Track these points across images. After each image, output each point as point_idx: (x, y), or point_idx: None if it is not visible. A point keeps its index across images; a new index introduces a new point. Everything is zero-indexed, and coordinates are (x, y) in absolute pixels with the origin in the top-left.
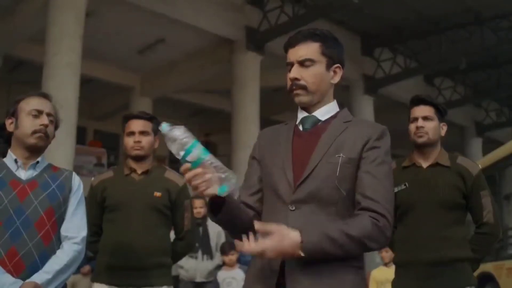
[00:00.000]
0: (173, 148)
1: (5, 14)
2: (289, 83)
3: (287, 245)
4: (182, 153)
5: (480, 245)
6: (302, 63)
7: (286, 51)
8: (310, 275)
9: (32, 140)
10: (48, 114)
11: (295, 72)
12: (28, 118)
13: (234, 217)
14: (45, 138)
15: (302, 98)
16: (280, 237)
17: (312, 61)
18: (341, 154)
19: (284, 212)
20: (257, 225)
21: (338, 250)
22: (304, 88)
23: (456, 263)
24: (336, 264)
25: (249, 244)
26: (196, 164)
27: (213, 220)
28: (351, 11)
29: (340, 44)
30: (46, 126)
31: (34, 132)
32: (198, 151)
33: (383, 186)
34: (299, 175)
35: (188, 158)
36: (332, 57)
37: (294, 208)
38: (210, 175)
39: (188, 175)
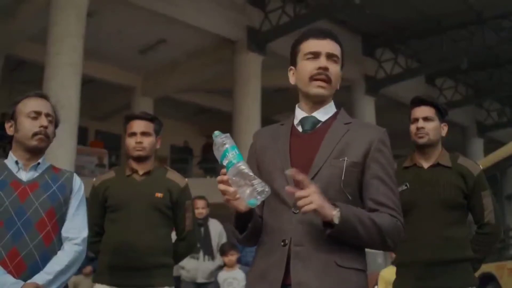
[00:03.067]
0: (216, 154)
1: (6, 14)
2: (315, 71)
3: (327, 202)
4: (220, 157)
5: (481, 245)
6: (330, 57)
7: (306, 38)
8: (316, 276)
9: (33, 142)
10: (47, 115)
11: (326, 62)
12: (27, 121)
13: (255, 232)
14: (46, 139)
15: (324, 90)
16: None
17: (337, 59)
18: (346, 158)
19: (288, 215)
20: (292, 171)
21: (363, 232)
22: (329, 81)
23: (457, 263)
24: (341, 267)
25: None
26: (227, 168)
27: (239, 240)
28: (352, 11)
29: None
30: (45, 127)
31: (35, 134)
32: (231, 155)
33: (393, 191)
34: None
35: (224, 162)
36: (343, 63)
37: (297, 211)
38: (234, 189)
39: (220, 187)
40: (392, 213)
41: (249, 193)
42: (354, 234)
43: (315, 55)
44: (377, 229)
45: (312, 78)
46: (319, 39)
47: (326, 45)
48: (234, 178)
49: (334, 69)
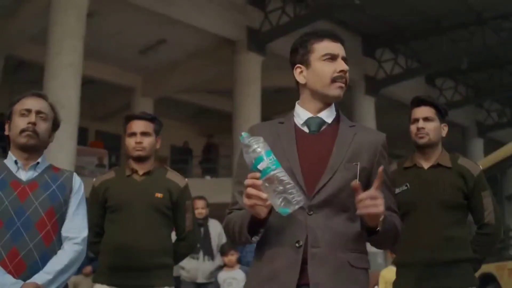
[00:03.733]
0: (247, 157)
1: (7, 15)
2: (336, 73)
3: (381, 208)
4: (253, 161)
5: (482, 246)
6: (345, 60)
7: (320, 38)
8: (332, 277)
9: (21, 140)
10: (38, 112)
11: (345, 65)
12: (18, 119)
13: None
14: (35, 136)
15: (342, 93)
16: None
17: (347, 62)
18: (358, 162)
19: (302, 216)
20: (355, 184)
21: (392, 236)
22: (347, 83)
23: (457, 263)
24: (354, 267)
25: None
26: (264, 174)
27: (246, 241)
28: (352, 12)
29: None
30: (33, 124)
31: (22, 131)
32: (268, 161)
33: (394, 195)
34: (314, 180)
35: (259, 167)
36: None
37: (312, 212)
38: (266, 196)
39: (249, 190)
40: (398, 217)
41: (282, 202)
42: (386, 239)
43: (333, 57)
44: (397, 232)
45: (334, 80)
46: (334, 41)
47: (342, 48)
48: (267, 184)
49: (348, 72)
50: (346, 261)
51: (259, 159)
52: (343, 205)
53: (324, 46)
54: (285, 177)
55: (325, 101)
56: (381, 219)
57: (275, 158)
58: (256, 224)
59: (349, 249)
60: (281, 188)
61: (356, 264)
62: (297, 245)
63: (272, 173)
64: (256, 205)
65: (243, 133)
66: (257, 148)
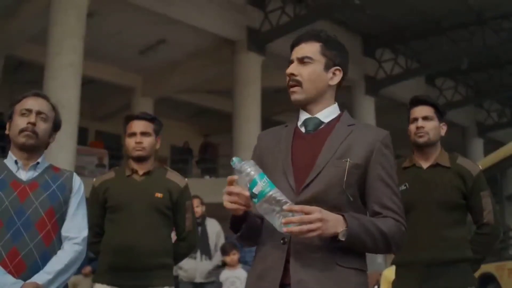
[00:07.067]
0: (241, 181)
1: (7, 15)
2: (287, 79)
3: (333, 220)
4: (248, 185)
5: (481, 246)
6: (301, 61)
7: (291, 50)
8: (316, 276)
9: (20, 139)
10: (38, 112)
11: (292, 68)
12: (18, 118)
13: (251, 232)
14: (34, 136)
15: (296, 95)
16: (325, 213)
17: (310, 59)
18: (348, 159)
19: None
20: (291, 207)
21: (370, 242)
22: (299, 84)
23: (456, 263)
24: (341, 267)
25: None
26: (261, 196)
27: (237, 239)
28: (352, 12)
29: (344, 49)
30: (33, 124)
31: (21, 131)
32: (263, 184)
33: (397, 195)
34: (303, 178)
35: (254, 190)
36: (332, 59)
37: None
38: (239, 190)
39: (229, 198)
40: (396, 217)
41: (282, 221)
42: (360, 245)
43: (291, 63)
44: (383, 237)
45: (287, 86)
46: (295, 46)
47: (298, 51)
48: (266, 205)
49: (306, 70)
50: (333, 260)
51: (254, 183)
52: (332, 202)
53: (292, 55)
54: (281, 197)
55: (297, 106)
56: (340, 230)
57: (268, 180)
58: (238, 221)
59: (337, 249)
60: (278, 208)
61: (344, 264)
62: (282, 242)
63: (268, 195)
64: (234, 209)
65: (234, 158)
66: (250, 172)
